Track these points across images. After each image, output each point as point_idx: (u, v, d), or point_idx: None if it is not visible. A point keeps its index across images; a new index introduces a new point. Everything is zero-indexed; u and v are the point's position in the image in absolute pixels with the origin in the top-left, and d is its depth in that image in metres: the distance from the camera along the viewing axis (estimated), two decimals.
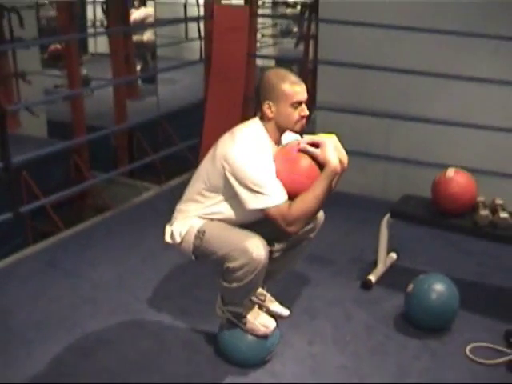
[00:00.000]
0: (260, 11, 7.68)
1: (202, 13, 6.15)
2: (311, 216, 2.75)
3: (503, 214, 3.44)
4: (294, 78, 2.82)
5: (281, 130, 2.86)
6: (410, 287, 3.30)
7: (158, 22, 7.51)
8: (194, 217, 2.89)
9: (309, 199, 2.67)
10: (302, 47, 8.18)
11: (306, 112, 2.83)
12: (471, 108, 4.70)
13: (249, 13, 5.46)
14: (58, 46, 7.30)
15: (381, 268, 3.85)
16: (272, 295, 3.19)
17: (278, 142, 2.88)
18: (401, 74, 4.70)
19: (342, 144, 2.80)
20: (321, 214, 3.15)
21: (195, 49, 7.72)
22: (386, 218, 3.71)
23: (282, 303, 3.17)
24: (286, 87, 2.77)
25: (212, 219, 2.87)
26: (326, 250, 4.21)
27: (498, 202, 3.58)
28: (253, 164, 2.69)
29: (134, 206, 5.09)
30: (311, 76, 5.94)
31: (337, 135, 2.83)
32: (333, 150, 2.71)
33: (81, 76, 6.33)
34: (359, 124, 5.04)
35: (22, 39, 5.94)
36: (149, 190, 5.45)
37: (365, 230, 4.45)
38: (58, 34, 6.33)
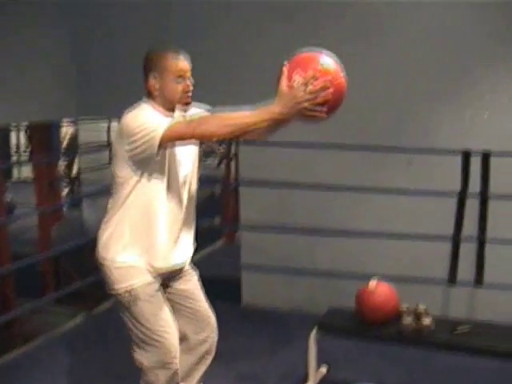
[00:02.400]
0: None
1: None
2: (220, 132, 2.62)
3: (426, 321, 3.55)
4: (176, 51, 2.82)
5: (168, 104, 2.83)
6: None
7: (83, 149, 7.61)
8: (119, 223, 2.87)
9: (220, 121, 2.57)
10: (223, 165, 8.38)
11: (190, 87, 2.83)
12: (389, 218, 4.88)
13: None
14: None
15: (312, 383, 3.86)
16: None
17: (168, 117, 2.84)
18: (321, 189, 4.85)
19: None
20: (213, 336, 3.16)
21: None
22: (314, 332, 3.75)
23: None
24: (168, 61, 2.78)
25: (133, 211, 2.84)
26: (256, 367, 4.18)
27: (421, 307, 3.67)
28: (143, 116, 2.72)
29: (62, 333, 4.98)
30: (234, 195, 6.05)
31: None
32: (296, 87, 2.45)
33: (5, 203, 6.31)
34: (283, 240, 5.12)
35: None
36: (77, 315, 5.37)
37: (294, 346, 4.45)
38: None
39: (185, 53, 2.84)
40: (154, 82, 2.81)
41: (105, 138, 9.05)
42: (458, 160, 4.52)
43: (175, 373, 2.89)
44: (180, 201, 2.90)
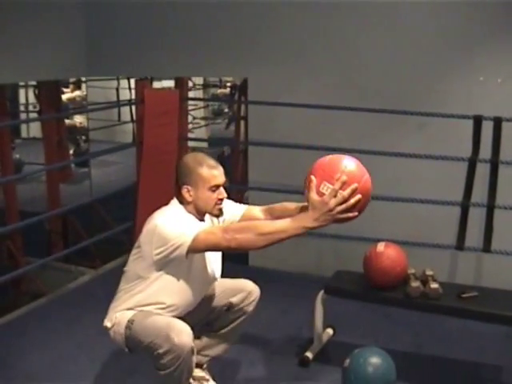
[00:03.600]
0: (191, 93, 7.83)
1: (134, 96, 6.23)
2: (249, 247, 2.69)
3: (433, 285, 3.55)
4: (211, 161, 2.87)
5: (200, 213, 2.90)
6: (347, 362, 3.32)
7: (91, 107, 7.55)
8: (128, 306, 2.90)
9: (259, 232, 2.59)
10: (233, 127, 8.33)
11: (224, 195, 2.88)
12: (398, 182, 4.87)
13: (179, 96, 5.57)
14: None
15: (317, 344, 3.87)
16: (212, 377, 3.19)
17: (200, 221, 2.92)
18: (329, 151, 4.81)
19: None
20: (256, 290, 3.20)
21: (128, 131, 7.77)
22: (320, 294, 3.76)
23: None
24: (204, 171, 2.82)
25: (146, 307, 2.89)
26: (263, 328, 4.22)
27: (429, 272, 3.69)
28: (175, 222, 2.75)
29: (69, 291, 5.03)
30: (242, 156, 6.02)
31: None
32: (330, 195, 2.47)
33: (13, 161, 6.29)
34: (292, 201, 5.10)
35: None
36: (84, 274, 5.40)
37: (301, 308, 4.48)
38: None
39: (219, 165, 2.89)
40: (188, 191, 2.85)
41: (113, 98, 8.99)
42: (469, 125, 4.48)
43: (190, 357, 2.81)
44: (200, 294, 3.03)
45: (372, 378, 3.26)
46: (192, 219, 2.84)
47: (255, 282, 3.22)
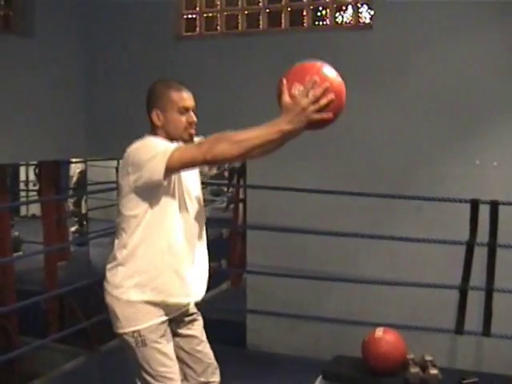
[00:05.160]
0: None
1: None
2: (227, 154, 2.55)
3: (433, 371, 3.52)
4: (179, 85, 2.84)
5: (171, 138, 2.82)
6: None
7: (92, 187, 7.64)
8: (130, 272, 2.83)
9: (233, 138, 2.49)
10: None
11: (194, 119, 2.83)
12: (396, 266, 4.87)
13: None
14: None
15: None
16: None
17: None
18: (328, 235, 4.84)
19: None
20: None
21: None
22: (318, 379, 3.72)
23: None
24: (172, 94, 2.79)
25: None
26: None
27: (428, 358, 3.66)
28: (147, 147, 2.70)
29: (64, 373, 4.95)
30: (241, 238, 6.04)
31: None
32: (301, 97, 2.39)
33: (12, 239, 6.32)
34: (290, 285, 5.09)
35: None
36: (80, 355, 5.33)
37: None
38: None
39: (187, 88, 2.86)
40: (157, 116, 2.81)
41: (113, 177, 9.08)
42: (466, 208, 4.51)
43: None
44: (192, 225, 2.89)
45: None
46: (162, 141, 2.76)
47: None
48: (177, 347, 3.01)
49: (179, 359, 3.00)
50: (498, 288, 4.49)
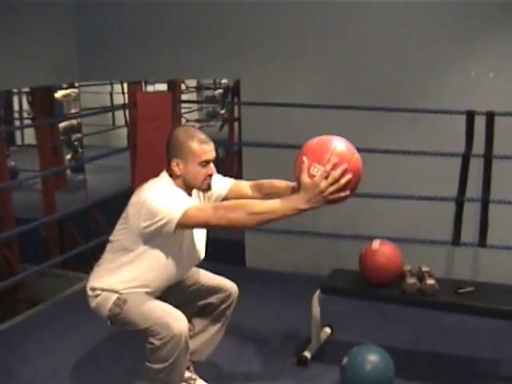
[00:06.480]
0: (184, 96, 7.83)
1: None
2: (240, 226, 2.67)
3: (430, 281, 3.55)
4: (202, 136, 2.84)
5: (188, 188, 2.87)
6: (345, 360, 3.32)
7: (85, 112, 7.55)
8: (114, 281, 2.89)
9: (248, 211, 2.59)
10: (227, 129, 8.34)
11: (214, 171, 2.86)
12: (392, 179, 4.87)
13: (171, 99, 5.57)
14: None
15: (315, 344, 3.87)
16: (204, 377, 3.18)
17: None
18: None
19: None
20: (235, 290, 3.21)
21: (123, 136, 7.77)
22: (317, 293, 3.76)
23: None
24: (195, 146, 2.79)
25: (132, 283, 2.88)
26: (260, 329, 4.22)
27: (425, 269, 3.69)
28: (164, 196, 2.73)
29: (67, 296, 5.03)
30: (237, 158, 6.02)
31: None
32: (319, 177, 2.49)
33: (8, 168, 6.28)
34: None
35: None
36: (81, 280, 5.39)
37: (298, 307, 4.46)
38: None
39: (210, 140, 2.86)
40: (177, 165, 2.82)
41: (108, 102, 8.99)
42: (462, 120, 4.48)
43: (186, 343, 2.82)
44: (182, 268, 3.00)
45: (370, 376, 3.26)
46: (181, 193, 2.80)
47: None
48: (180, 294, 3.13)
49: (192, 300, 3.16)
50: (494, 199, 4.51)
